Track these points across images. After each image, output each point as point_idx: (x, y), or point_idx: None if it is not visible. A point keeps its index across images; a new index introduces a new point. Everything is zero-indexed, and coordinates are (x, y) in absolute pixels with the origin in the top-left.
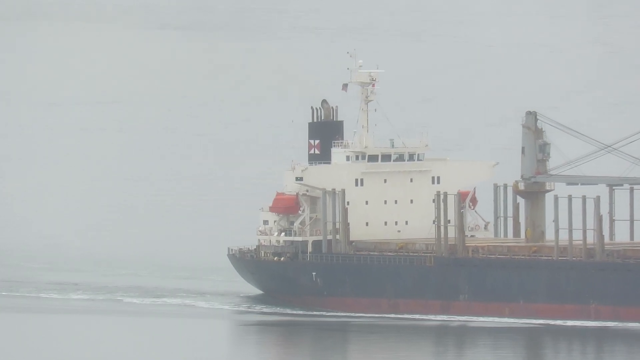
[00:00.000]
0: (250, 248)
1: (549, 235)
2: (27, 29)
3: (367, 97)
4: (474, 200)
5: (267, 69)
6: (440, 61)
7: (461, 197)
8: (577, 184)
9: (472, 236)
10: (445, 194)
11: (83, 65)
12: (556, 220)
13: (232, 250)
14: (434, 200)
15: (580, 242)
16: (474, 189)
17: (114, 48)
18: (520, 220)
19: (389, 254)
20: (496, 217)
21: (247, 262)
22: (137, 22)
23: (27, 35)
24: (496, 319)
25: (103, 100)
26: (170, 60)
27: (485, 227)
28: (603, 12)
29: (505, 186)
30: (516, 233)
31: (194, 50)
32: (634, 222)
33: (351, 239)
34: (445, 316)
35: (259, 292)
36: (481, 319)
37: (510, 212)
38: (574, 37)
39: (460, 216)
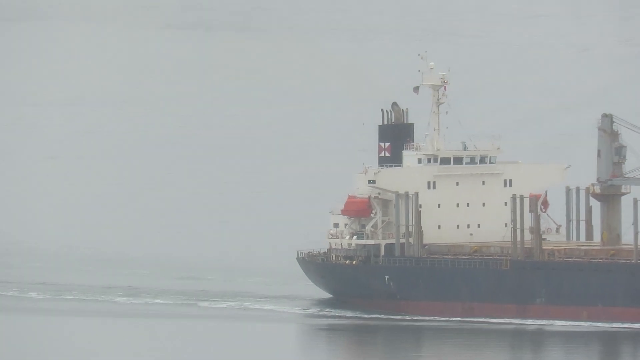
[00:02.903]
0: (319, 251)
1: (625, 238)
2: (28, 29)
3: (438, 100)
4: (545, 204)
5: (320, 70)
6: (464, 61)
7: (530, 200)
8: None
9: (543, 239)
10: (522, 197)
11: (93, 65)
12: (635, 223)
13: (301, 253)
14: (506, 204)
15: None
16: (546, 192)
17: (132, 47)
18: (592, 223)
19: (463, 257)
20: (568, 220)
21: (317, 265)
22: (156, 21)
23: (28, 35)
24: (573, 323)
25: (120, 100)
26: (197, 60)
27: (557, 230)
28: (628, 12)
29: (578, 189)
30: (589, 236)
31: (222, 50)
32: None
33: (424, 242)
34: (521, 320)
35: (328, 295)
36: (558, 322)
37: (582, 215)
38: (599, 37)
39: (537, 219)
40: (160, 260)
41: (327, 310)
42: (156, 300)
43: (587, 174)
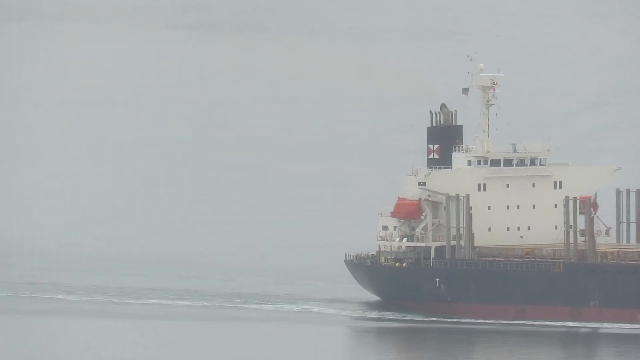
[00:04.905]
0: (368, 254)
1: None
2: (29, 29)
3: (488, 101)
4: (595, 206)
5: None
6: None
7: (581, 202)
8: None
9: None
10: (575, 199)
11: (93, 65)
12: None
13: (349, 256)
14: (556, 206)
15: None
16: (595, 194)
17: (141, 48)
18: None
19: (515, 259)
20: (618, 223)
21: (366, 268)
22: (156, 21)
23: (28, 35)
24: (628, 326)
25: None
26: (197, 60)
27: (607, 233)
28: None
29: (628, 191)
30: (639, 238)
31: (223, 50)
32: None
33: (474, 244)
34: (574, 322)
35: (376, 298)
36: (612, 325)
37: (633, 217)
38: (612, 37)
39: (590, 221)
40: (202, 261)
41: (376, 313)
42: (205, 303)
43: (632, 175)
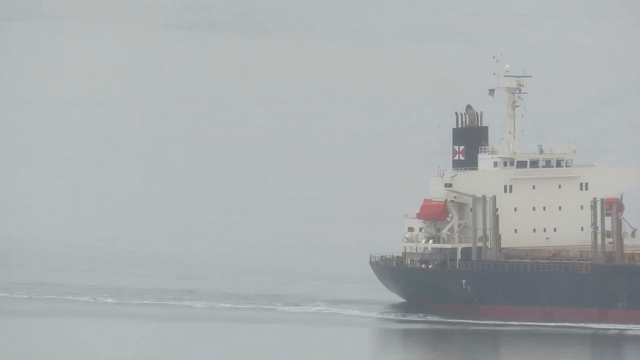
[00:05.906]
0: (393, 255)
1: None
2: (28, 29)
3: (514, 103)
4: (620, 207)
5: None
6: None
7: (607, 203)
8: None
9: None
10: (603, 201)
11: (93, 65)
12: None
13: (374, 257)
14: (582, 207)
15: None
16: (621, 195)
17: (143, 48)
18: None
19: (542, 261)
20: None
21: (391, 269)
22: (156, 21)
23: (28, 35)
24: None
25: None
26: (197, 60)
27: (633, 234)
28: None
29: None
30: None
31: (223, 50)
32: None
33: (501, 246)
34: (602, 324)
35: (401, 300)
36: None
37: None
38: (616, 37)
39: (619, 223)
40: (202, 261)
41: (402, 314)
42: (232, 305)
43: None
